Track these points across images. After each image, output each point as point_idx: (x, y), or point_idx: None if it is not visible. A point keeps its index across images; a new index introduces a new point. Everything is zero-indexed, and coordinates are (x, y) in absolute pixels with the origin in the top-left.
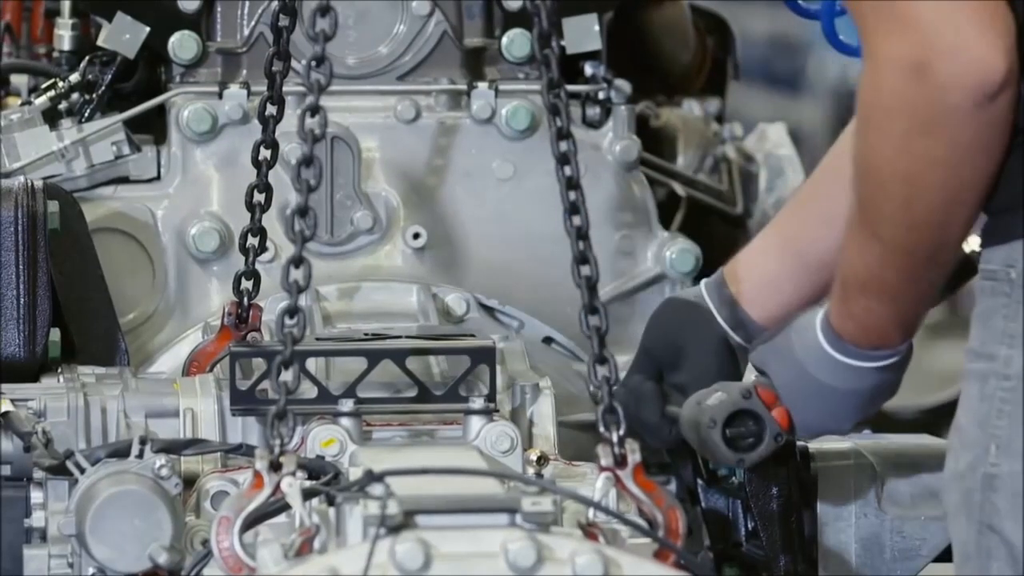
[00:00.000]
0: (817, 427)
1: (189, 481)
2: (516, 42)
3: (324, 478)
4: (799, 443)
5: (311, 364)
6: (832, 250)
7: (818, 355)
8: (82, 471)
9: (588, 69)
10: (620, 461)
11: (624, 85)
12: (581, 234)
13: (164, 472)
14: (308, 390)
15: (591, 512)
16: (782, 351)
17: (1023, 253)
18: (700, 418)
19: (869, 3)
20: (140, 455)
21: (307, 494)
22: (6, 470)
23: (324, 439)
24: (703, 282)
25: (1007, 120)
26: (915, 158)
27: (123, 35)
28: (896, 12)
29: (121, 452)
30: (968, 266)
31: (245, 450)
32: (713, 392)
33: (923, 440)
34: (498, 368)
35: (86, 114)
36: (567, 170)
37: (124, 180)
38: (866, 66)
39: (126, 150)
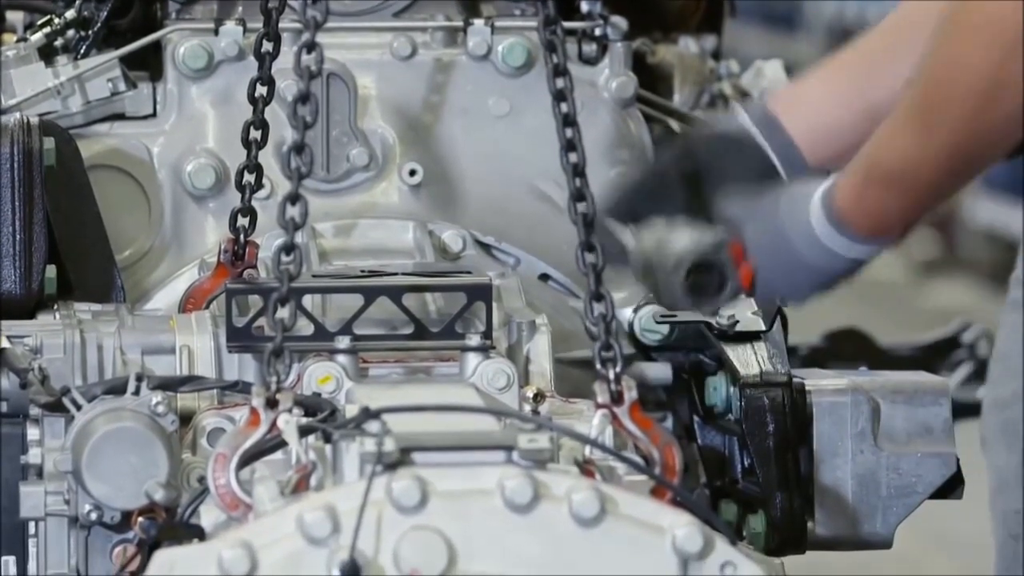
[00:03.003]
0: (775, 289)
1: (185, 418)
2: None
3: (320, 415)
4: (795, 380)
5: (307, 301)
6: None
7: (806, 229)
8: (78, 408)
9: (584, 6)
10: (617, 398)
11: (620, 22)
12: (578, 171)
13: (160, 409)
14: (304, 327)
15: (588, 449)
16: (766, 214)
17: None
18: (664, 258)
19: None
20: (136, 392)
21: (303, 431)
22: (2, 406)
23: (320, 376)
24: (743, 115)
25: None
26: (1002, 73)
27: None
28: None
29: (117, 389)
30: None
31: (241, 387)
32: (678, 231)
33: (919, 377)
34: (494, 305)
35: (82, 51)
36: (563, 107)
37: (120, 117)
38: None
39: (122, 87)
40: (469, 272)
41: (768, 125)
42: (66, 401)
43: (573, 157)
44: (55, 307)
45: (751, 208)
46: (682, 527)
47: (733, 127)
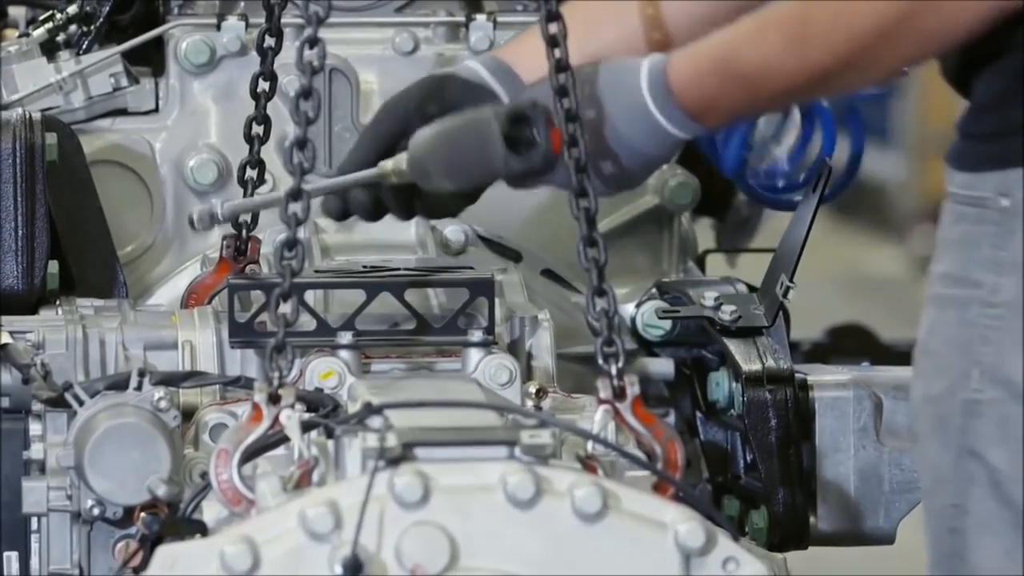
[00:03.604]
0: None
1: (188, 414)
2: None
3: (323, 411)
4: (797, 375)
5: (310, 296)
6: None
7: (627, 101)
8: (80, 403)
9: None
10: (619, 393)
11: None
12: (580, 166)
13: (163, 404)
14: (307, 322)
15: (590, 445)
16: (584, 84)
17: (1016, 180)
18: (481, 114)
19: None
20: (139, 387)
21: (306, 427)
22: (4, 402)
23: (323, 371)
24: (477, 64)
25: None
26: (903, 11)
27: None
28: None
29: (119, 384)
30: None
31: (244, 382)
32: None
33: None
34: (497, 300)
35: (84, 46)
36: (566, 102)
37: (122, 112)
38: None
39: (124, 82)
40: (471, 268)
41: (502, 72)
42: (68, 397)
43: (575, 152)
44: (57, 302)
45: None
46: (684, 523)
47: (470, 75)
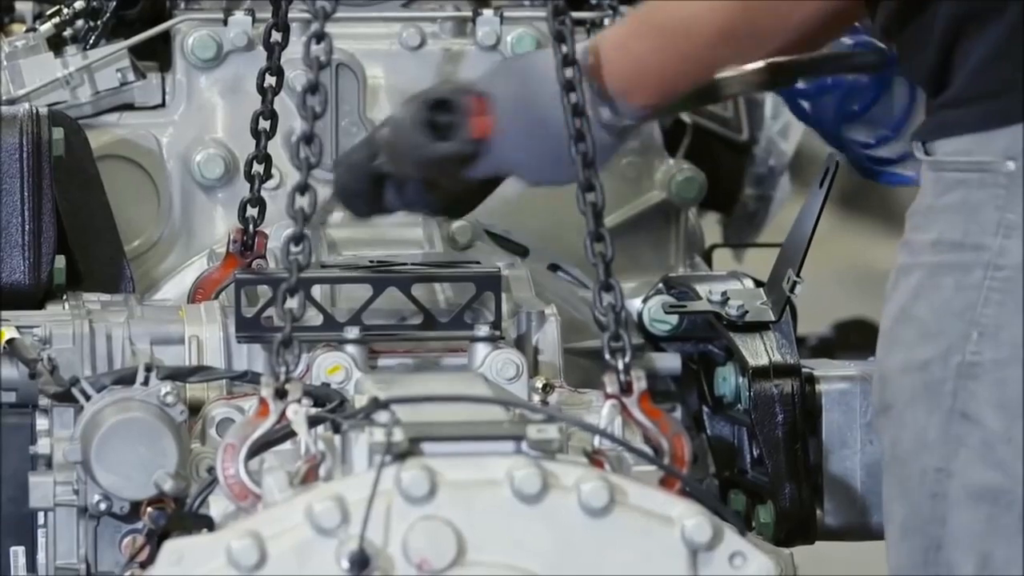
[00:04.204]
0: (512, 157)
1: (194, 408)
2: None
3: (330, 405)
4: (804, 370)
5: (316, 291)
6: None
7: (553, 85)
8: (87, 398)
9: None
10: (626, 388)
11: (629, 12)
12: (587, 161)
13: (169, 399)
14: (313, 317)
15: (597, 439)
16: (514, 68)
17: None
18: (405, 106)
19: None
20: (145, 382)
21: (312, 421)
22: (11, 397)
23: (329, 366)
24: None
25: None
26: None
27: None
28: None
29: (126, 379)
30: (713, 90)
31: (251, 377)
32: None
33: None
34: (503, 295)
35: (91, 41)
36: (572, 97)
37: (129, 107)
38: None
39: (131, 77)
40: (478, 262)
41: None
42: (75, 391)
43: (582, 147)
44: (64, 297)
45: (503, 67)
46: (691, 518)
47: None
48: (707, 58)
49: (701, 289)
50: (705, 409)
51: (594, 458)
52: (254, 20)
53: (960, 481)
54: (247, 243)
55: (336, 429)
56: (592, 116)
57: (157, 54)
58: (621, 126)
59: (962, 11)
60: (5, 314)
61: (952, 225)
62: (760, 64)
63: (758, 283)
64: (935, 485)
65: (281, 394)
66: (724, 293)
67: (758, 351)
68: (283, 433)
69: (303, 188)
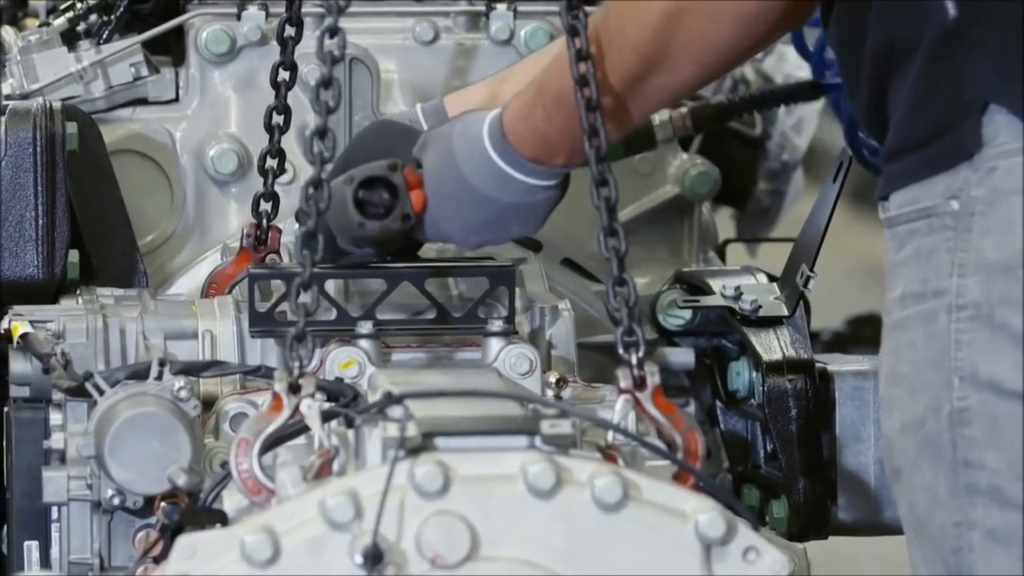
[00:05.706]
0: (446, 225)
1: (208, 403)
2: None
3: (343, 400)
4: (818, 364)
5: (330, 286)
6: None
7: (472, 150)
8: (101, 393)
9: None
10: (639, 383)
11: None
12: (600, 156)
13: (183, 394)
14: (327, 312)
15: (610, 434)
16: (441, 138)
17: (963, 180)
18: (340, 182)
19: None
20: (159, 377)
21: (326, 416)
22: (25, 391)
23: (343, 361)
24: (418, 109)
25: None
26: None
27: None
28: None
29: (140, 374)
30: (647, 137)
31: (264, 372)
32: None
33: None
34: (517, 290)
35: (104, 35)
36: (586, 92)
37: (142, 102)
38: None
39: (144, 72)
40: (491, 257)
41: (437, 115)
42: (88, 386)
43: (596, 142)
44: (78, 292)
45: (429, 136)
46: (705, 512)
47: (407, 118)
48: (614, 115)
49: (715, 284)
50: (718, 404)
51: (608, 453)
52: (268, 15)
53: (980, 530)
54: (260, 238)
55: (350, 424)
56: (523, 179)
57: (170, 49)
58: (557, 180)
59: (883, 51)
60: (19, 308)
61: (910, 278)
62: (687, 107)
63: (772, 278)
64: (956, 540)
65: (295, 389)
66: (738, 288)
67: (771, 346)
68: (297, 428)
69: (317, 183)
